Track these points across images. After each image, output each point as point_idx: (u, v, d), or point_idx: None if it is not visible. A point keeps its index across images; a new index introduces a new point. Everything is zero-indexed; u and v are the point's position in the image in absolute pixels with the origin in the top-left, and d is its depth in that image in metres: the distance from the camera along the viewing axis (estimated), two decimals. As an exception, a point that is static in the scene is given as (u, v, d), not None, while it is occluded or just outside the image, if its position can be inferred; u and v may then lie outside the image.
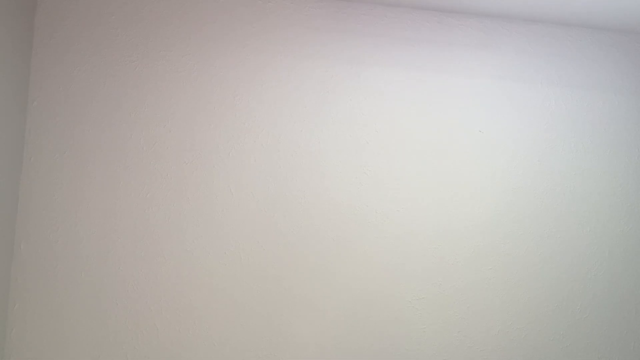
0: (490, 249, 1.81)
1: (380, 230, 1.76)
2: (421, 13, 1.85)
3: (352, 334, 1.72)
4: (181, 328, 1.66)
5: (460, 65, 1.85)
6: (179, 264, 1.67)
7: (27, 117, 1.65)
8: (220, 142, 1.73)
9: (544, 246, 1.84)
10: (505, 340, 1.79)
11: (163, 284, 1.66)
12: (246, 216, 1.71)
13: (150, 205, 1.68)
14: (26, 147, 1.64)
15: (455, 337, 1.77)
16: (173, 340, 1.65)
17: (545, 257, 1.83)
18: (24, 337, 1.60)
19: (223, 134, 1.73)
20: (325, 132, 1.77)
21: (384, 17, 1.83)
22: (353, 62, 1.80)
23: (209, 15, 1.75)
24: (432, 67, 1.84)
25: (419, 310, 1.76)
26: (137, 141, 1.69)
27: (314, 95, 1.78)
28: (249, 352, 1.68)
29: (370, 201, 1.77)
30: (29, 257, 1.62)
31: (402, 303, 1.75)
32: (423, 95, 1.83)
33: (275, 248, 1.72)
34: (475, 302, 1.78)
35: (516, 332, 1.80)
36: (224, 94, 1.74)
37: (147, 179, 1.68)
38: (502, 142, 1.85)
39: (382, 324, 1.73)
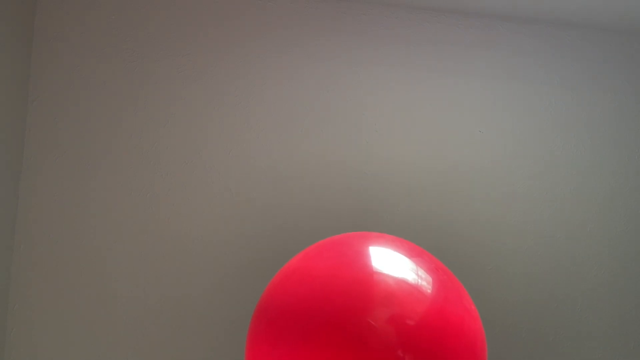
0: (490, 249, 1.81)
1: (380, 231, 1.76)
2: (421, 13, 1.85)
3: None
4: (182, 329, 1.66)
5: (461, 65, 1.85)
6: (179, 264, 1.67)
7: (27, 117, 1.65)
8: (220, 142, 1.73)
9: (543, 246, 1.84)
10: (505, 340, 1.79)
11: (163, 284, 1.66)
12: (246, 216, 1.71)
13: (150, 205, 1.68)
14: (26, 147, 1.64)
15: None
16: (174, 341, 1.65)
17: (545, 257, 1.83)
18: (24, 337, 1.60)
19: (223, 134, 1.73)
20: (325, 131, 1.78)
21: (383, 17, 1.83)
22: (353, 62, 1.81)
23: (209, 16, 1.75)
24: (432, 67, 1.84)
25: (419, 310, 1.76)
26: (137, 141, 1.69)
27: (314, 95, 1.78)
28: (249, 352, 1.68)
29: (371, 201, 1.77)
30: (29, 257, 1.62)
31: (402, 303, 1.75)
32: (423, 95, 1.83)
33: (276, 248, 1.72)
34: (475, 301, 1.78)
35: (516, 332, 1.80)
36: (224, 94, 1.74)
37: (147, 179, 1.68)
38: (502, 142, 1.85)
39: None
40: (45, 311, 1.61)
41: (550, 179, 1.86)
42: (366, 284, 0.99)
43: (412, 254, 1.11)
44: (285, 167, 1.74)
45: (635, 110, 1.92)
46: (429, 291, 1.02)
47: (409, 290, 0.99)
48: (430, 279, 1.05)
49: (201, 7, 1.75)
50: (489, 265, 1.81)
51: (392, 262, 1.06)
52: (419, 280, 1.02)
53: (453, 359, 0.98)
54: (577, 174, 1.87)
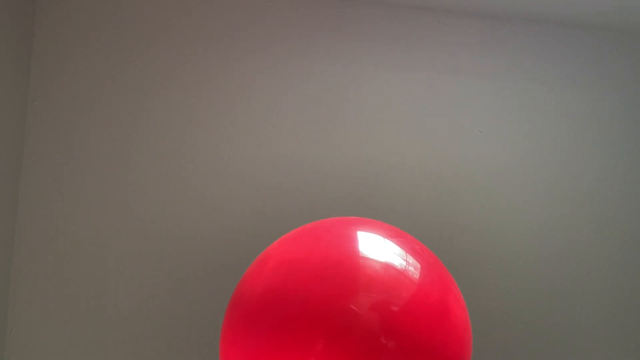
0: (489, 249, 1.81)
1: (380, 230, 1.76)
2: (421, 13, 1.85)
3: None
4: (181, 329, 1.66)
5: (460, 65, 1.85)
6: (179, 264, 1.67)
7: (27, 117, 1.65)
8: (220, 142, 1.73)
9: (544, 246, 1.84)
10: (505, 340, 1.79)
11: (163, 284, 1.66)
12: (247, 217, 1.71)
13: (151, 205, 1.68)
14: (26, 147, 1.64)
15: (455, 337, 1.77)
16: (174, 341, 1.65)
17: (546, 257, 1.83)
18: (24, 337, 1.60)
19: (223, 134, 1.73)
20: (325, 132, 1.77)
21: (384, 17, 1.83)
22: (353, 62, 1.81)
23: (209, 16, 1.75)
24: (432, 67, 1.84)
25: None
26: (137, 141, 1.69)
27: (314, 95, 1.78)
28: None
29: (371, 202, 1.77)
30: (29, 257, 1.62)
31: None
32: (423, 95, 1.83)
33: (275, 248, 1.72)
34: (474, 302, 1.78)
35: (516, 332, 1.80)
36: (224, 94, 1.74)
37: (147, 179, 1.68)
38: (502, 142, 1.85)
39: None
40: (45, 311, 1.61)
41: (550, 179, 1.86)
42: (345, 267, 0.92)
43: (392, 234, 1.04)
44: (286, 168, 1.74)
45: (635, 109, 1.92)
46: (416, 275, 0.95)
47: (394, 274, 0.92)
48: (414, 260, 0.98)
49: (201, 8, 1.75)
50: (488, 266, 1.81)
51: (372, 244, 0.98)
52: (404, 264, 0.95)
53: (438, 341, 0.93)
54: (577, 174, 1.87)
